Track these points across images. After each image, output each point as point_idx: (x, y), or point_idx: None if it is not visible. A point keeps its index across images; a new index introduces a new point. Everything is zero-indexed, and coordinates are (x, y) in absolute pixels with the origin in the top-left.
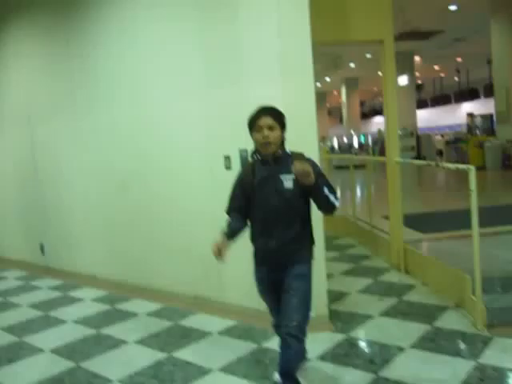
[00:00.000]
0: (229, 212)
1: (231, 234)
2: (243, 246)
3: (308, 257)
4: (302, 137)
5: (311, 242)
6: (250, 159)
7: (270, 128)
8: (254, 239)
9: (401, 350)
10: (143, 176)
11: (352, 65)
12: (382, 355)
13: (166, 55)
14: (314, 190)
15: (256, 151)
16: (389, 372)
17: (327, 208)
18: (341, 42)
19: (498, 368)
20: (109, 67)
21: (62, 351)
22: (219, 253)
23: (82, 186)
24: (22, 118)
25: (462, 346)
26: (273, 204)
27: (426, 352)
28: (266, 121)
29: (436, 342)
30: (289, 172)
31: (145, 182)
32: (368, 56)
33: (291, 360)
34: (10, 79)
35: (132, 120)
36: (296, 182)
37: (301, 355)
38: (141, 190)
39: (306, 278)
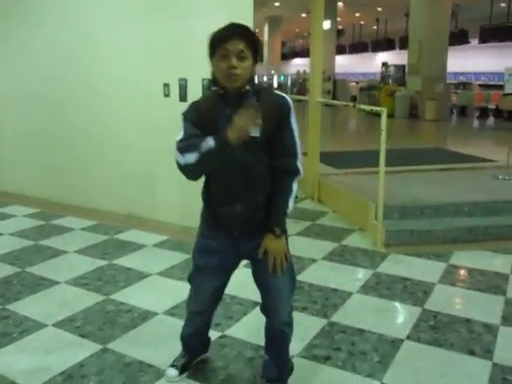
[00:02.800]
0: (183, 148)
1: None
2: (176, 168)
3: (283, 223)
4: None
5: None
6: (206, 91)
7: (240, 56)
8: (209, 199)
9: (313, 261)
10: (80, 97)
11: (277, 3)
12: (298, 264)
13: None
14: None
15: (215, 82)
16: (303, 277)
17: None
18: None
19: (390, 275)
20: None
21: (4, 259)
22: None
23: (11, 101)
24: None
25: (364, 259)
26: (238, 156)
27: (334, 263)
28: (237, 45)
29: (343, 256)
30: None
31: (81, 102)
32: None
33: (287, 349)
34: None
35: (75, 43)
36: (263, 129)
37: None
38: (76, 110)
39: (287, 251)
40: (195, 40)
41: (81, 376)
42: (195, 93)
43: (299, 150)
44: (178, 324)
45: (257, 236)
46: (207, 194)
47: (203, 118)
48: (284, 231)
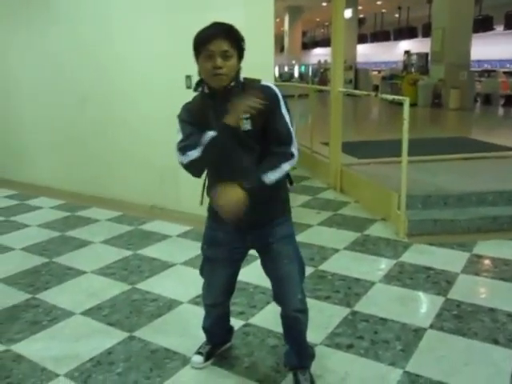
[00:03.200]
0: (183, 148)
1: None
2: None
3: (286, 211)
4: (261, 63)
5: (285, 191)
6: (194, 90)
7: (225, 56)
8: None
9: (336, 250)
10: (103, 91)
11: None
12: (320, 254)
13: None
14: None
15: (202, 82)
16: (326, 266)
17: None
18: None
19: (413, 264)
20: None
21: (33, 249)
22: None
23: (35, 97)
24: None
25: (387, 249)
26: (231, 151)
27: (357, 253)
28: (221, 45)
29: (365, 246)
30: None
31: (104, 96)
32: None
33: (304, 336)
34: None
35: (94, 38)
36: (254, 120)
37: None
38: (101, 104)
39: (293, 237)
40: None
41: (109, 363)
42: None
43: (294, 136)
44: (203, 313)
45: (262, 226)
46: (211, 189)
47: (195, 118)
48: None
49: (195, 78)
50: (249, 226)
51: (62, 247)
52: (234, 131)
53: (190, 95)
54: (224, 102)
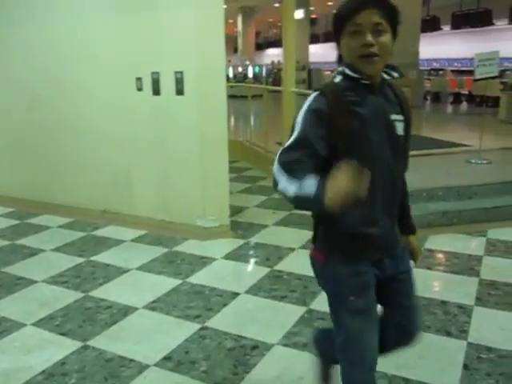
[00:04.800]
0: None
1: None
2: (153, 160)
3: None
4: (212, 64)
5: None
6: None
7: (377, 30)
8: (345, 219)
9: (292, 250)
10: (53, 94)
11: None
12: (276, 254)
13: None
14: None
15: (349, 67)
16: (282, 266)
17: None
18: None
19: None
20: None
21: None
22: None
23: None
24: None
25: None
26: (386, 160)
27: None
28: (371, 17)
29: None
30: (398, 111)
31: (54, 100)
32: None
33: None
34: None
35: (43, 39)
36: (406, 124)
37: None
38: (50, 108)
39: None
40: (166, 33)
41: (62, 374)
42: (168, 86)
43: None
44: (159, 318)
45: (396, 252)
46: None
47: (336, 113)
48: None
49: (146, 80)
50: (387, 256)
51: (12, 256)
52: (391, 135)
53: (141, 97)
54: (381, 100)
